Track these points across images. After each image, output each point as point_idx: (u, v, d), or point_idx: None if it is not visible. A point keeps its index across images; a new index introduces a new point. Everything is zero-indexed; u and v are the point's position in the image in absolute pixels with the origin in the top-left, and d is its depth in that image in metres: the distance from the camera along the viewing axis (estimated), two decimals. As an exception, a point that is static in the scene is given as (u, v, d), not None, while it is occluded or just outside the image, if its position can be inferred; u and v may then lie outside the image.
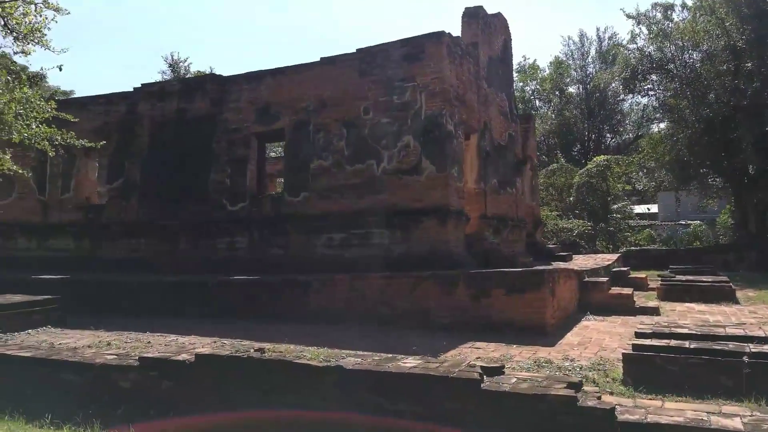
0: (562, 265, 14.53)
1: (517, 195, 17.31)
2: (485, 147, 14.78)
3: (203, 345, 8.64)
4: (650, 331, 6.18)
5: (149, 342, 9.06)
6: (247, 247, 14.07)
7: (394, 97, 12.83)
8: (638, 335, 6.23)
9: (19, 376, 5.94)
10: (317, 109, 13.62)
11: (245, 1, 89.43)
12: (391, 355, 6.78)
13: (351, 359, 5.05)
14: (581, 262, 16.85)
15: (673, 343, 5.74)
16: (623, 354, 5.91)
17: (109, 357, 5.84)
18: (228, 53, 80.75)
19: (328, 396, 4.64)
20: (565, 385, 4.08)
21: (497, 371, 4.50)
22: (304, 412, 4.53)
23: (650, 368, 5.49)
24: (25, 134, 10.88)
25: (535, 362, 7.29)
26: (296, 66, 14.04)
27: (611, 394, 5.31)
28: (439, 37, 12.59)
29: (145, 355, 5.51)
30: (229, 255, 14.16)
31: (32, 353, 6.11)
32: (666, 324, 6.81)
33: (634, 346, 5.83)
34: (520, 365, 7.08)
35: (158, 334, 9.91)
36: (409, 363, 4.79)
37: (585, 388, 4.45)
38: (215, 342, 8.99)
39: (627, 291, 12.21)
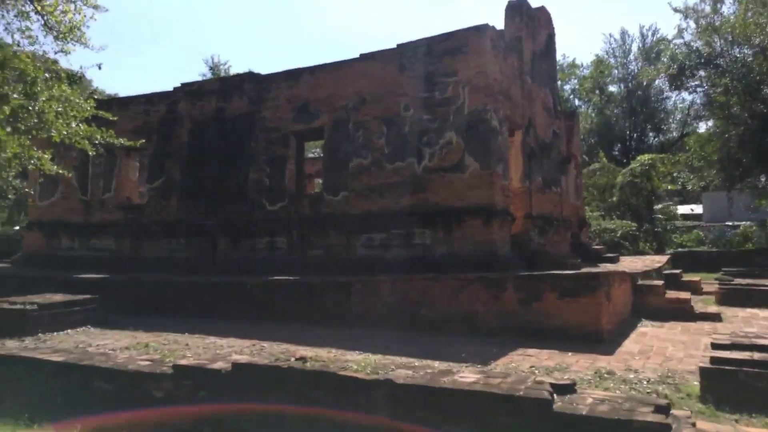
0: (610, 267, 13.87)
1: (561, 194, 16.67)
2: (530, 144, 14.22)
3: (241, 349, 8.39)
4: (729, 342, 5.62)
5: (187, 344, 8.85)
6: (287, 247, 13.82)
7: (435, 92, 12.40)
8: (715, 346, 5.67)
9: (51, 382, 5.73)
10: (356, 106, 13.29)
11: (284, 2, 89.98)
12: (445, 367, 6.40)
13: (401, 372, 4.65)
14: (629, 264, 16.10)
15: (756, 356, 5.18)
16: (701, 368, 5.37)
17: (142, 363, 5.58)
18: (267, 56, 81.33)
19: (378, 412, 4.25)
20: (651, 409, 3.59)
21: (568, 389, 4.04)
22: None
23: (733, 384, 4.95)
24: (65, 132, 10.81)
25: (596, 373, 6.77)
26: (335, 63, 13.73)
27: (689, 412, 4.79)
28: (482, 30, 12.12)
29: (180, 362, 5.22)
30: (268, 255, 13.94)
31: (64, 358, 5.90)
32: (745, 334, 6.21)
33: (713, 359, 5.28)
34: (580, 377, 6.58)
35: (196, 335, 9.71)
36: (468, 377, 4.37)
37: (673, 411, 3.95)
38: (254, 345, 8.73)
39: (684, 295, 11.52)
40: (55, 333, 9.89)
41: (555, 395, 3.86)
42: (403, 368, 4.75)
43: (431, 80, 12.43)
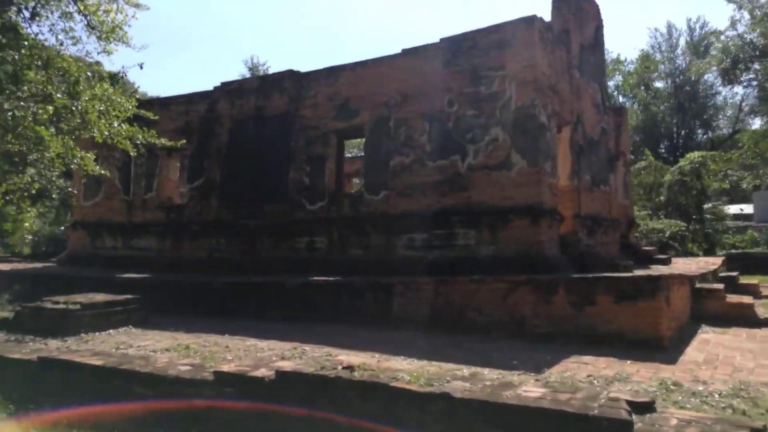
0: (663, 269, 13.22)
1: (610, 193, 16.00)
2: (578, 141, 13.65)
3: (282, 352, 8.14)
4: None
5: (227, 346, 8.65)
6: (326, 247, 13.59)
7: (481, 87, 11.98)
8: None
9: (89, 386, 5.57)
10: (398, 103, 12.96)
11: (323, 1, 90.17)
12: (497, 375, 6.02)
13: (458, 384, 4.30)
14: (683, 266, 15.35)
15: None
16: (787, 382, 4.86)
17: (182, 368, 5.36)
18: (307, 55, 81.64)
19: (432, 428, 3.91)
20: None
21: (648, 408, 3.63)
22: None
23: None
24: (107, 132, 10.80)
25: (660, 384, 6.28)
26: (376, 59, 13.44)
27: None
28: (530, 22, 11.64)
29: (221, 369, 4.97)
30: (308, 255, 13.73)
31: (103, 361, 5.73)
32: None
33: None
34: (644, 388, 6.10)
35: (237, 337, 9.52)
36: (532, 392, 3.99)
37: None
38: (295, 348, 8.49)
39: (747, 299, 10.83)
40: (97, 333, 9.84)
41: (633, 415, 3.46)
42: (458, 380, 4.38)
43: (477, 75, 12.02)
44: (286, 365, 5.08)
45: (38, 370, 6.13)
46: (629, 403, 3.62)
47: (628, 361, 7.49)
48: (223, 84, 15.77)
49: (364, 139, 14.08)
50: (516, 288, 9.43)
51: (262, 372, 4.82)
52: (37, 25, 11.65)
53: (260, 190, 14.58)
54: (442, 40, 12.57)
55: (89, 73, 10.86)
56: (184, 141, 14.91)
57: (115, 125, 11.40)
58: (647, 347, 8.09)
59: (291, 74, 14.63)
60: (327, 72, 14.09)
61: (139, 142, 12.29)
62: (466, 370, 7.12)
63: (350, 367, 4.62)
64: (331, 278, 11.48)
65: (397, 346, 8.82)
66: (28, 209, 12.49)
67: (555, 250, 11.56)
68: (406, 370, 4.67)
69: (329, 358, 7.74)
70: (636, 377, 6.73)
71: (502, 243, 11.40)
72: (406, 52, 12.98)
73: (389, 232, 12.70)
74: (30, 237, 31.62)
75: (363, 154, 15.23)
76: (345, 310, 10.84)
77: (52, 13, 11.61)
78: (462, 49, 12.26)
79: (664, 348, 8.11)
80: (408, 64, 12.90)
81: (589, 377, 6.70)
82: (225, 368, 5.01)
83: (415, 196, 12.51)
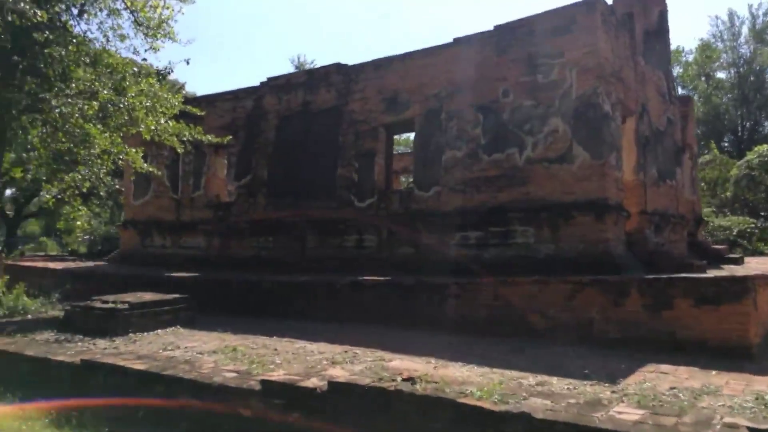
0: (738, 269, 12.24)
1: (677, 188, 15.01)
2: (643, 132, 12.77)
3: (333, 356, 7.71)
4: None
5: (275, 349, 8.28)
6: (375, 245, 13.13)
7: (538, 76, 11.29)
8: None
9: (134, 391, 5.24)
10: (450, 94, 12.38)
11: None
12: (576, 387, 5.43)
13: (538, 402, 3.74)
14: (758, 266, 14.25)
15: None
16: None
17: (228, 375, 4.96)
18: (354, 51, 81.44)
19: (512, 453, 3.37)
20: None
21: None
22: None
23: None
24: (153, 126, 10.62)
25: (757, 399, 5.53)
26: (427, 49, 12.88)
27: None
28: (591, 5, 10.88)
29: (269, 378, 4.53)
30: (356, 253, 13.31)
31: (147, 366, 5.39)
32: None
33: None
34: (738, 403, 5.37)
35: (285, 339, 9.15)
36: (628, 414, 3.40)
37: None
38: (346, 351, 8.04)
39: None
40: (145, 333, 9.64)
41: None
42: (536, 396, 3.81)
43: (534, 63, 11.33)
44: (339, 374, 4.61)
45: (82, 373, 5.86)
46: (752, 431, 3.00)
47: (713, 372, 6.74)
48: (270, 79, 15.51)
49: (413, 134, 13.57)
50: (582, 289, 8.73)
51: (313, 382, 4.36)
52: (86, 23, 11.60)
53: (308, 187, 14.23)
54: (495, 27, 11.92)
55: (135, 69, 10.71)
56: (231, 137, 14.74)
57: (162, 122, 11.25)
58: (733, 355, 7.31)
59: (338, 68, 14.23)
60: (375, 64, 13.62)
61: (185, 139, 12.13)
62: (532, 378, 6.54)
63: (411, 379, 4.11)
64: (380, 278, 11.00)
65: (453, 351, 8.27)
66: (80, 207, 12.44)
67: (621, 248, 10.78)
68: (475, 383, 4.12)
69: (383, 363, 7.29)
70: (726, 390, 5.99)
71: (563, 241, 10.70)
72: (458, 41, 12.39)
73: (441, 230, 12.14)
74: (86, 236, 32.44)
75: (412, 148, 14.71)
76: (396, 312, 10.34)
77: (100, 10, 11.54)
78: (517, 36, 11.58)
79: (752, 356, 7.32)
80: (460, 54, 12.30)
81: (672, 389, 6.00)
82: (273, 377, 4.58)
83: (469, 192, 11.91)
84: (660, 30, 14.73)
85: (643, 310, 8.19)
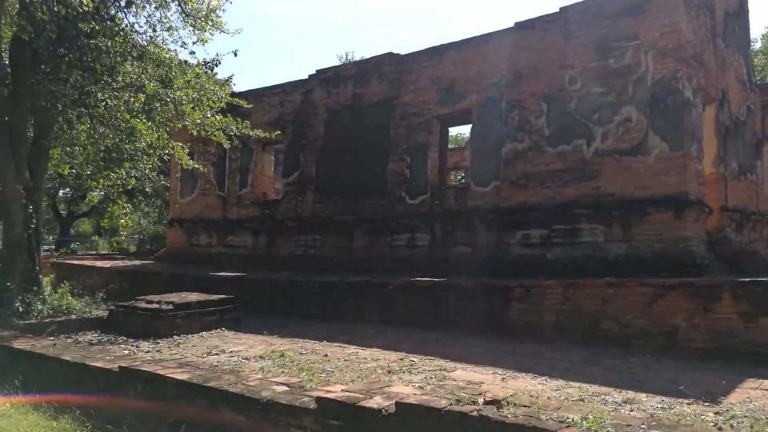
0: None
1: (757, 183, 13.78)
2: (724, 121, 11.67)
3: (388, 364, 7.06)
4: None
5: (326, 355, 7.69)
6: (428, 244, 12.41)
7: (609, 60, 10.37)
8: None
9: (174, 404, 4.70)
10: (511, 83, 11.56)
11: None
12: (671, 406, 4.64)
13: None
14: None
15: None
16: None
17: (278, 389, 4.35)
18: (407, 43, 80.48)
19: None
20: None
21: None
22: None
23: None
24: (198, 120, 10.20)
25: None
26: (485, 35, 12.10)
27: None
28: (669, -19, 9.89)
29: (326, 395, 3.88)
30: (408, 253, 12.62)
31: (188, 375, 4.83)
32: None
33: None
34: None
35: (335, 343, 8.55)
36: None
37: None
38: (402, 359, 7.38)
39: None
40: (190, 335, 9.20)
41: None
42: (656, 428, 3.03)
43: (604, 46, 10.42)
44: (406, 392, 3.92)
45: (119, 381, 5.36)
46: None
47: (827, 390, 5.80)
48: (318, 72, 14.97)
49: (467, 127, 12.81)
50: (664, 293, 7.82)
51: (377, 402, 3.69)
52: (133, 16, 11.29)
53: (357, 183, 13.62)
54: (561, 9, 11.05)
55: (181, 59, 10.32)
56: (279, 132, 14.27)
57: (209, 116, 10.84)
58: None
59: (390, 57, 13.56)
60: (430, 53, 12.89)
61: (232, 134, 11.70)
62: (617, 395, 5.75)
63: (495, 402, 3.40)
64: (436, 279, 10.29)
65: (521, 360, 7.50)
66: (125, 205, 12.18)
67: (703, 248, 9.77)
68: (575, 410, 3.38)
69: (444, 374, 6.60)
70: None
71: (637, 240, 9.76)
72: (520, 26, 11.56)
73: (501, 228, 11.34)
74: (135, 235, 32.75)
75: (467, 142, 13.92)
76: (453, 316, 9.62)
77: (148, 2, 11.20)
78: (586, 18, 10.69)
79: None
80: (522, 39, 11.47)
81: (792, 415, 5.10)
82: (330, 394, 3.93)
83: (532, 187, 11.08)
84: (740, 11, 13.52)
85: (738, 318, 7.25)
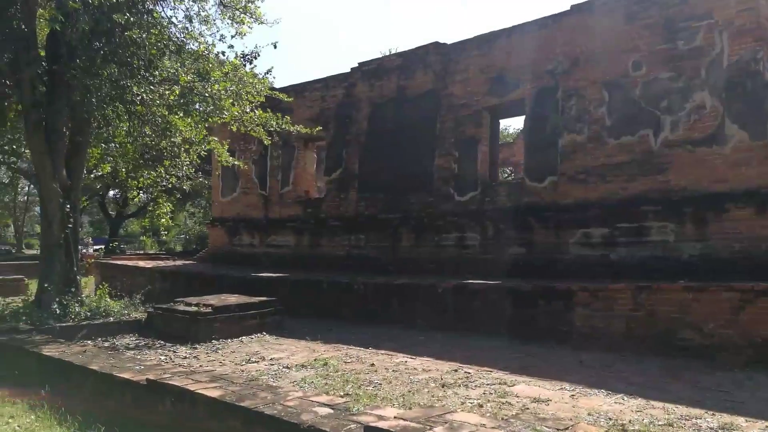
0: None
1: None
2: (806, 108, 10.55)
3: (442, 376, 6.41)
4: None
5: (372, 364, 7.10)
6: (479, 244, 11.68)
7: (678, 42, 9.46)
8: None
9: (204, 425, 4.17)
10: (567, 70, 10.74)
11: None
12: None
13: None
14: None
15: None
16: None
17: (320, 411, 3.78)
18: (453, 32, 79.02)
19: None
20: None
21: None
22: None
23: None
24: (237, 114, 9.76)
25: None
26: (538, 20, 11.31)
27: None
28: (747, -48, 8.93)
29: (376, 423, 3.27)
30: (456, 253, 11.92)
31: (222, 391, 4.31)
32: None
33: None
34: None
35: (382, 351, 7.95)
36: None
37: None
38: (456, 370, 6.73)
39: None
40: (229, 340, 8.75)
41: None
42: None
43: (672, 27, 9.51)
44: (474, 421, 3.26)
45: (147, 395, 4.88)
46: None
47: None
48: (361, 64, 14.39)
49: (521, 117, 12.03)
50: (754, 300, 6.94)
51: (438, 434, 3.05)
52: (171, 9, 10.95)
53: (403, 180, 12.98)
54: (623, -12, 10.17)
55: (218, 51, 9.90)
56: (320, 128, 13.79)
57: (248, 110, 10.40)
58: None
59: (436, 47, 12.86)
60: (478, 41, 12.15)
61: (273, 130, 11.25)
62: (710, 418, 4.99)
63: (588, 441, 2.71)
64: (490, 281, 9.58)
65: (589, 372, 6.75)
66: (165, 204, 11.87)
67: (791, 248, 8.76)
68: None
69: (505, 388, 5.90)
70: None
71: (714, 239, 8.84)
72: (577, 9, 10.72)
73: (558, 226, 10.54)
74: (182, 235, 32.97)
75: (521, 134, 13.13)
76: (508, 321, 8.91)
77: (185, -6, 10.83)
78: (652, -4, 9.79)
79: None
80: (579, 23, 10.64)
81: None
82: (382, 421, 3.31)
83: (592, 182, 10.24)
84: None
85: None
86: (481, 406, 5.25)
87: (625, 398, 5.65)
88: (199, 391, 4.34)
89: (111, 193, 35.57)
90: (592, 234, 10.13)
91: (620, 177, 9.91)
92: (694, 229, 9.08)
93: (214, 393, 4.30)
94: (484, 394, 5.74)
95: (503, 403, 5.33)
